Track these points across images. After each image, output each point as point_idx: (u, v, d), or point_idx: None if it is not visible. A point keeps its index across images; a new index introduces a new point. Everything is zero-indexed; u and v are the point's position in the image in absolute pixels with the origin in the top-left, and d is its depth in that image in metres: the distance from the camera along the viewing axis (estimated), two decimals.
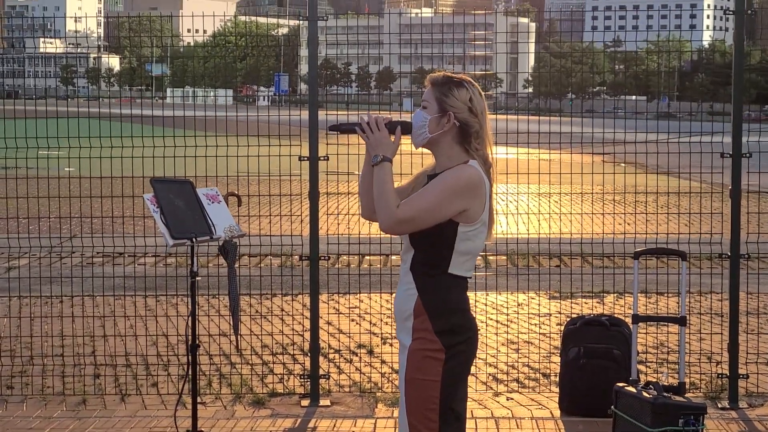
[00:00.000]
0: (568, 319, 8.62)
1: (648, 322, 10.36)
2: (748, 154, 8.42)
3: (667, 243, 8.68)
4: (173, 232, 5.98)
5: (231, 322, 6.99)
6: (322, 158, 8.52)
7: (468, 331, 4.61)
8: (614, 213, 13.27)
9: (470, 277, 4.68)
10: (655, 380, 6.75)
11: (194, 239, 6.11)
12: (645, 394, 6.50)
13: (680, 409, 6.32)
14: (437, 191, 4.46)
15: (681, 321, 7.14)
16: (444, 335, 4.52)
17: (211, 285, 11.58)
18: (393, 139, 4.68)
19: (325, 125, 8.48)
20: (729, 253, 8.39)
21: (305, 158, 8.52)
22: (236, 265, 6.90)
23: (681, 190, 10.70)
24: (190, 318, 6.33)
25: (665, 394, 6.47)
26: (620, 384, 6.83)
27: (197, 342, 6.45)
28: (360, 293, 12.70)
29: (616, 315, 9.00)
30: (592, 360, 7.92)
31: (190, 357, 6.39)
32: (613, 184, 10.90)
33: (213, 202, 6.39)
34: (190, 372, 6.55)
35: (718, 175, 9.02)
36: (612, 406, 6.76)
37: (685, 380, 7.23)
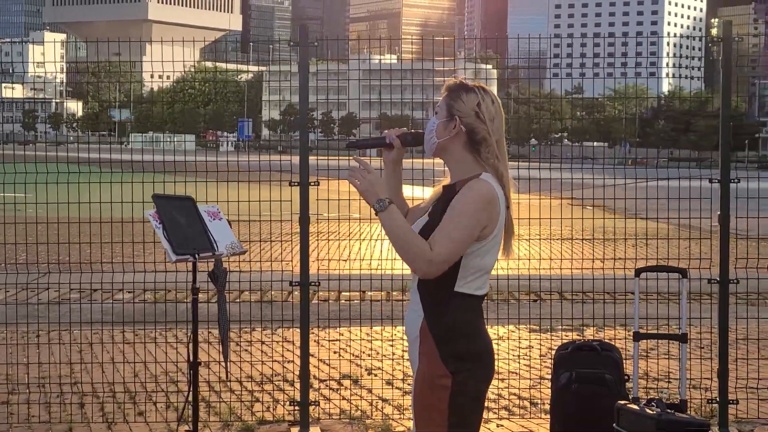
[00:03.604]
0: (559, 345, 8.61)
1: (648, 343, 10.38)
2: (736, 180, 8.46)
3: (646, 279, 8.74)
4: (176, 247, 5.93)
5: (221, 349, 6.93)
6: (312, 183, 8.51)
7: (478, 356, 4.35)
8: (608, 239, 13.31)
9: (483, 296, 4.43)
10: (657, 397, 6.75)
11: (196, 255, 6.06)
12: (648, 411, 6.50)
13: (685, 426, 6.32)
14: (463, 219, 4.25)
15: (682, 338, 7.16)
16: (450, 361, 4.28)
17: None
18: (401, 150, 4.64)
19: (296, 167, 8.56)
20: (718, 279, 8.44)
21: (296, 183, 8.51)
22: (225, 291, 6.86)
23: (659, 230, 10.78)
24: (191, 335, 6.27)
25: (668, 411, 6.47)
26: (622, 402, 6.82)
27: (198, 361, 6.39)
28: (340, 327, 12.68)
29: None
30: (584, 385, 7.88)
31: (191, 374, 6.32)
32: (602, 225, 10.98)
33: (214, 219, 6.36)
34: (190, 394, 6.47)
35: (697, 216, 9.14)
36: (614, 424, 6.75)
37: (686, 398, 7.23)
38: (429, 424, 4.34)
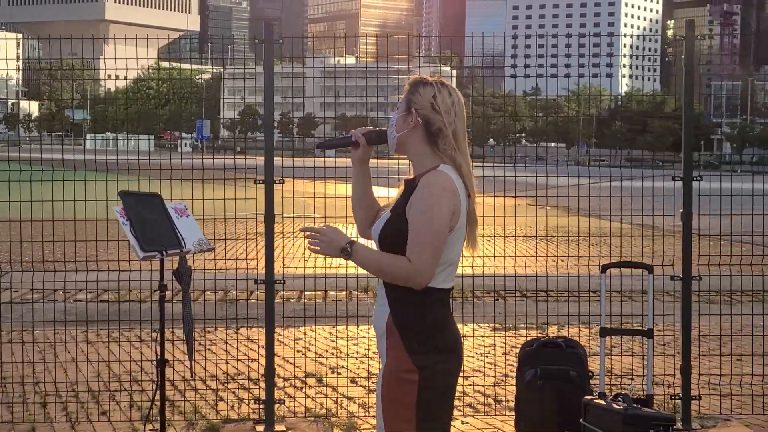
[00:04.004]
0: (524, 342, 8.63)
1: (611, 340, 10.44)
2: (699, 178, 8.51)
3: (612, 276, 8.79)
4: (143, 244, 5.90)
5: (185, 348, 6.90)
6: (277, 181, 8.48)
7: (445, 350, 4.31)
8: (570, 240, 13.36)
9: (449, 288, 4.40)
10: (624, 392, 6.79)
11: (164, 252, 6.03)
12: (615, 405, 6.54)
13: (651, 420, 6.37)
14: (429, 215, 4.22)
15: (648, 333, 7.20)
16: (417, 356, 4.23)
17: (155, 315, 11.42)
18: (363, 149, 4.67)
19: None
20: (681, 275, 8.49)
21: (261, 181, 8.48)
22: (190, 290, 6.83)
23: (622, 229, 10.85)
24: (158, 334, 6.24)
25: (634, 405, 6.51)
26: (589, 397, 6.85)
27: (165, 358, 6.36)
28: (304, 325, 12.67)
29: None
30: (549, 381, 7.90)
31: (158, 372, 6.29)
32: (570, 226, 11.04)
33: (182, 216, 6.33)
34: (158, 392, 6.43)
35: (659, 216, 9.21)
36: (581, 420, 6.79)
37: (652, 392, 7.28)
38: (396, 418, 4.29)
